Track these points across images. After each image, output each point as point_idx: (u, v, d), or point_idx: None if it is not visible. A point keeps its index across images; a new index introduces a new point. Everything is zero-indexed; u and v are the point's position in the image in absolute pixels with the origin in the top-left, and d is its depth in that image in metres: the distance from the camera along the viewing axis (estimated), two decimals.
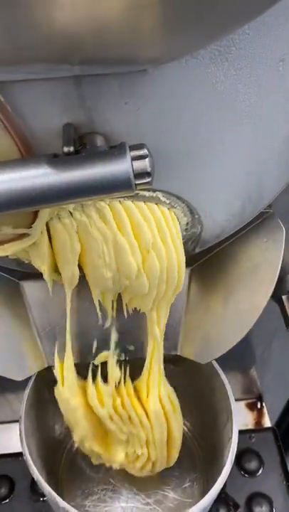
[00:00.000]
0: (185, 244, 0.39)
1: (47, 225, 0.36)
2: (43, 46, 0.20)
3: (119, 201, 0.35)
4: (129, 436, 0.51)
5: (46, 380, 0.48)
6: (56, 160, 0.27)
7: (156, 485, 0.60)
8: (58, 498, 0.39)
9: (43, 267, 0.38)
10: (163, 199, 0.35)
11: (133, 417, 0.48)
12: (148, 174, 0.27)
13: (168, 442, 0.53)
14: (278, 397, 0.75)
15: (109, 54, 0.22)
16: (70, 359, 0.45)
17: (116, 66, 0.24)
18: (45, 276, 0.38)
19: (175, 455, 0.55)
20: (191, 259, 0.45)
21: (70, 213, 0.35)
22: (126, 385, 0.48)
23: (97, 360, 0.47)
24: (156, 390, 0.48)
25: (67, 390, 0.45)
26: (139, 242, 0.36)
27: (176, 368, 0.50)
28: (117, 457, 0.53)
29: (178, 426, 0.52)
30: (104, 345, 0.46)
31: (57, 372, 0.45)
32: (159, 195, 0.34)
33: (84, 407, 0.47)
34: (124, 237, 0.35)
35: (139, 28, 0.19)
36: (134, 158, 0.27)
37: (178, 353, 0.44)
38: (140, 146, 0.27)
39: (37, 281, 0.44)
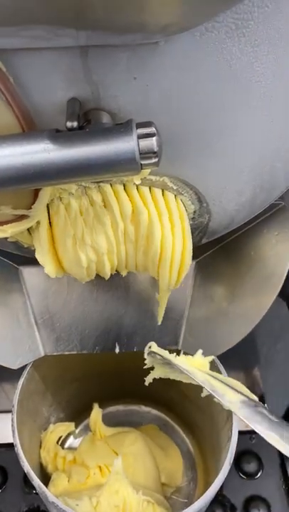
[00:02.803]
0: (191, 234, 0.37)
1: (48, 210, 0.34)
2: (47, 3, 0.19)
3: (124, 186, 0.33)
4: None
5: (42, 369, 0.47)
6: (58, 135, 0.26)
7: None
8: (48, 492, 0.38)
9: (42, 257, 0.36)
10: (170, 184, 0.33)
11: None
12: (155, 154, 0.26)
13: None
14: (281, 398, 0.74)
15: (117, 18, 0.20)
16: None
17: (124, 34, 0.23)
18: (46, 269, 0.36)
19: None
20: (197, 252, 0.44)
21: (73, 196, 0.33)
22: None
23: None
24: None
25: None
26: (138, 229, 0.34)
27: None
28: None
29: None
30: None
31: None
32: (166, 180, 0.33)
33: None
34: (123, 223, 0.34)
35: None
36: (141, 136, 0.25)
37: (179, 348, 0.43)
38: (148, 124, 0.26)
39: (37, 268, 0.42)
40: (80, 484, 0.52)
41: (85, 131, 0.26)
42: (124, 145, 0.25)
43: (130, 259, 0.37)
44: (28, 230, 0.36)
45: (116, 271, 0.38)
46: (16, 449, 0.42)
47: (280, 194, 0.36)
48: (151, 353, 0.38)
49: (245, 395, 0.32)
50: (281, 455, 0.68)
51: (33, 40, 0.24)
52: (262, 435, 0.32)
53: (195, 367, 0.34)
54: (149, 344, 0.38)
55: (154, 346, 0.37)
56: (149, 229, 0.34)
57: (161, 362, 0.37)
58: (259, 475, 0.66)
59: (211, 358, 0.35)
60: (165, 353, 0.35)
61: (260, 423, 0.31)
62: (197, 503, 0.39)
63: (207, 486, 0.43)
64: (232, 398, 0.32)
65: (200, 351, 0.33)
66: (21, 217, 0.34)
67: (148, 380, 0.41)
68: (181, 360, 0.34)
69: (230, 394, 0.31)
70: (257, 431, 0.30)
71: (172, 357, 0.35)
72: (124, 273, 0.39)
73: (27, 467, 0.40)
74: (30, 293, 0.44)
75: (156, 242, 0.34)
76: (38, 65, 0.26)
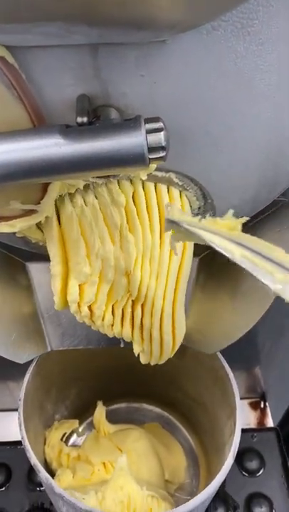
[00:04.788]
0: None
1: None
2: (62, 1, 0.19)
3: (130, 181, 0.34)
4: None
5: (47, 365, 0.48)
6: (69, 130, 0.27)
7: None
8: (54, 484, 0.38)
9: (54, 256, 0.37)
10: (176, 180, 0.34)
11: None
12: (163, 148, 0.27)
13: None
14: (282, 397, 0.74)
15: (128, 13, 0.21)
16: None
17: (135, 32, 0.24)
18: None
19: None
20: (200, 249, 0.44)
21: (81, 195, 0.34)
22: None
23: None
24: None
25: None
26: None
27: (179, 361, 0.49)
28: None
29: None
30: None
31: None
32: (172, 176, 0.33)
33: None
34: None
35: None
36: (149, 131, 0.26)
37: (182, 343, 0.43)
38: (156, 119, 0.27)
39: (44, 263, 0.43)
40: (84, 480, 0.53)
41: (95, 127, 0.27)
42: (133, 140, 0.26)
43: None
44: (36, 225, 0.36)
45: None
46: (22, 441, 0.42)
47: (283, 191, 0.37)
48: (170, 222, 0.27)
49: None
50: (283, 453, 0.68)
51: (46, 38, 0.24)
52: None
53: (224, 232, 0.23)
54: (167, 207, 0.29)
55: (173, 212, 0.27)
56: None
57: (184, 231, 0.26)
58: (261, 472, 0.66)
59: (243, 219, 0.24)
60: (187, 219, 0.25)
61: None
62: (200, 496, 0.40)
63: (210, 482, 0.44)
64: (281, 278, 0.20)
65: (231, 211, 0.24)
66: (30, 212, 0.34)
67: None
68: (207, 226, 0.24)
69: (277, 273, 0.20)
70: None
71: (196, 221, 0.25)
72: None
73: (34, 459, 0.40)
74: (37, 288, 0.45)
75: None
76: (49, 62, 0.27)
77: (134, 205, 0.35)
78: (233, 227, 0.24)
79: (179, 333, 0.43)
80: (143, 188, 0.35)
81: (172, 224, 0.26)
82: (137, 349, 0.44)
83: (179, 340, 0.43)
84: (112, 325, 0.42)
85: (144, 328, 0.42)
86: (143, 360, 0.45)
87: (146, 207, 0.36)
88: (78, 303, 0.39)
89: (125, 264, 0.38)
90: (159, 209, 0.36)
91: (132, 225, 0.36)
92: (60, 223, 0.36)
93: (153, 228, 0.37)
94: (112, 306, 0.41)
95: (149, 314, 0.41)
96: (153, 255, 0.38)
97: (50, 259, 0.38)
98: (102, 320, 0.41)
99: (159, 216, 0.36)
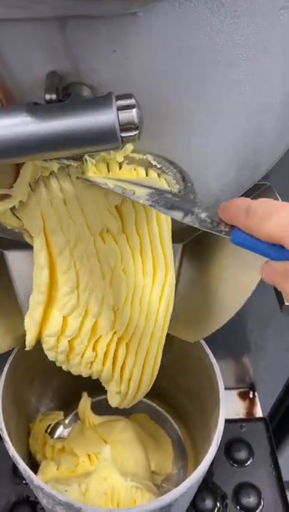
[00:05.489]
0: None
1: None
2: None
3: (107, 165, 0.33)
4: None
5: (28, 357, 0.47)
6: (36, 108, 0.25)
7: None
8: (33, 476, 0.38)
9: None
10: (153, 163, 0.33)
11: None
12: (135, 126, 0.26)
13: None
14: (271, 387, 0.74)
15: None
16: None
17: (101, 2, 0.23)
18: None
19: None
20: (183, 234, 0.43)
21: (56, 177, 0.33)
22: None
23: None
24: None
25: None
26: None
27: (166, 351, 0.48)
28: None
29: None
30: None
31: None
32: (150, 157, 0.32)
33: None
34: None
35: None
36: (121, 108, 0.25)
37: (168, 332, 0.42)
38: (128, 96, 0.26)
39: (22, 251, 0.42)
40: (69, 472, 0.52)
41: (63, 104, 0.26)
42: (104, 117, 0.25)
43: None
44: (11, 210, 0.35)
45: None
46: (1, 433, 0.41)
47: (264, 173, 0.36)
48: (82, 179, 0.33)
49: (154, 188, 0.31)
50: (271, 443, 0.68)
51: (8, 9, 0.23)
52: (165, 214, 0.33)
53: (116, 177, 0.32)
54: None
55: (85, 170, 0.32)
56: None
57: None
58: (249, 462, 0.66)
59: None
60: (91, 177, 0.32)
61: (164, 205, 0.30)
62: (183, 485, 0.39)
63: None
64: (140, 193, 0.31)
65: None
66: (3, 197, 0.33)
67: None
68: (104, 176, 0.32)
69: (138, 190, 0.31)
70: (161, 212, 0.31)
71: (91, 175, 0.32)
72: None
73: (12, 450, 0.39)
74: (16, 277, 0.43)
75: None
76: (15, 38, 0.26)
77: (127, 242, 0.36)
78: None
79: (156, 371, 0.42)
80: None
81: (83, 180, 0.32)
82: (113, 389, 0.43)
83: (154, 377, 0.43)
84: (92, 362, 0.40)
85: (125, 367, 0.41)
86: (114, 403, 0.44)
87: (140, 249, 0.36)
88: (58, 337, 0.38)
89: (114, 301, 0.37)
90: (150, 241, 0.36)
91: (126, 266, 0.36)
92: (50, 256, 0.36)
93: (146, 271, 0.37)
94: (94, 342, 0.39)
95: (133, 353, 0.40)
96: (144, 294, 0.38)
97: (35, 287, 0.37)
98: (82, 357, 0.40)
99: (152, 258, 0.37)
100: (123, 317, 0.38)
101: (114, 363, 0.41)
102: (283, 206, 0.26)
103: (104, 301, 0.37)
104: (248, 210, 0.27)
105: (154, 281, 0.38)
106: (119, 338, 0.40)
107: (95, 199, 0.34)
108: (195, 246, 0.44)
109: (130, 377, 0.42)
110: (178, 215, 0.30)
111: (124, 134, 0.26)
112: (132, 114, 0.25)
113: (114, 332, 0.39)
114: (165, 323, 0.40)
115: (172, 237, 0.38)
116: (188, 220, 0.30)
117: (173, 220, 0.36)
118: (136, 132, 0.26)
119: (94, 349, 0.40)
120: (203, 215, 0.29)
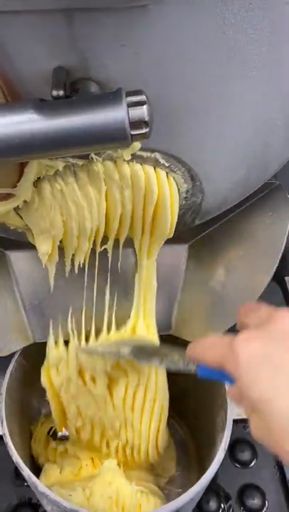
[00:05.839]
0: (184, 215, 0.36)
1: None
2: None
3: (114, 162, 0.32)
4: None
5: (31, 358, 0.46)
6: (43, 104, 0.24)
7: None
8: (38, 482, 0.37)
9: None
10: (162, 161, 0.32)
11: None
12: (145, 123, 0.25)
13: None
14: None
15: None
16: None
17: None
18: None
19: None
20: (189, 235, 0.43)
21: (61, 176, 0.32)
22: None
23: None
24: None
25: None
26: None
27: None
28: None
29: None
30: None
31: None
32: (158, 156, 0.31)
33: None
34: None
35: None
36: (131, 105, 0.24)
37: (171, 333, 0.42)
38: (138, 92, 0.25)
39: (25, 252, 0.41)
40: (72, 475, 0.51)
41: (71, 100, 0.25)
42: (114, 114, 0.24)
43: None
44: (15, 210, 0.34)
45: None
46: (4, 438, 0.41)
47: (274, 173, 0.35)
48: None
49: (136, 345, 0.38)
50: None
51: (9, 1, 0.22)
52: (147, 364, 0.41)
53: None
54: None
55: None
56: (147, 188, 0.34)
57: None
58: (253, 463, 0.65)
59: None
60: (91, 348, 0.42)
61: (145, 357, 0.38)
62: (193, 489, 0.38)
63: (201, 474, 0.42)
64: (124, 352, 0.38)
65: None
66: (7, 197, 0.32)
67: None
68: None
69: (123, 350, 0.38)
70: (143, 363, 0.41)
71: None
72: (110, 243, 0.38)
73: (15, 456, 0.38)
74: (18, 278, 0.43)
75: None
76: (20, 32, 0.25)
77: None
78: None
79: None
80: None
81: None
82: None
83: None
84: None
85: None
86: None
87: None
88: None
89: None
90: None
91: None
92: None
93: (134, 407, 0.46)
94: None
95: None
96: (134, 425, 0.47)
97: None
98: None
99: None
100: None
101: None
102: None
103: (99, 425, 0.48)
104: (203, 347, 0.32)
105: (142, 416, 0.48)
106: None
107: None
108: (201, 246, 0.43)
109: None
110: (156, 362, 0.36)
111: (134, 132, 0.25)
112: (143, 111, 0.24)
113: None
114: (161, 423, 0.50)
115: (178, 237, 0.37)
116: (164, 366, 0.36)
117: (178, 221, 0.35)
118: (146, 130, 0.25)
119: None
120: (176, 357, 0.35)
